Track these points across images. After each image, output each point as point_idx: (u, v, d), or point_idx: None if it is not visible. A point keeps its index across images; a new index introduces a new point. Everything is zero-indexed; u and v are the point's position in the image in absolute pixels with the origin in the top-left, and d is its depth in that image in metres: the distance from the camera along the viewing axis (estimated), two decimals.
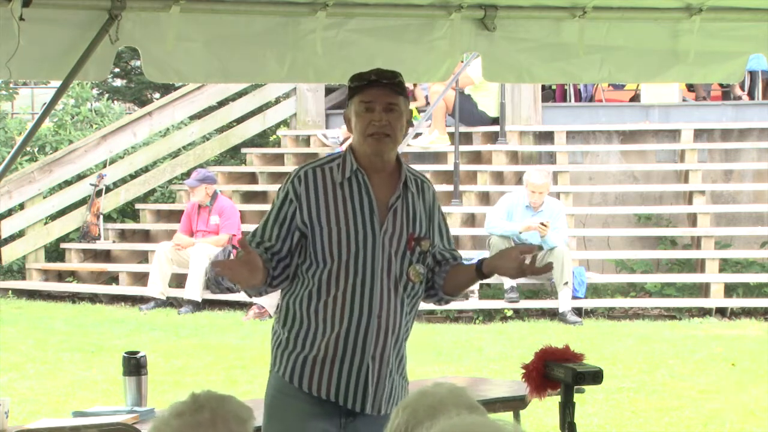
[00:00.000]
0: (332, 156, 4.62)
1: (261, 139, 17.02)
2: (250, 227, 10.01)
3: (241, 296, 12.44)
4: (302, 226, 4.49)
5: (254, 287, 4.49)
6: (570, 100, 15.81)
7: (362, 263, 4.47)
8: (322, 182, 4.53)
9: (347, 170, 4.53)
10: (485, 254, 12.75)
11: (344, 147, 14.98)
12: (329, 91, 16.23)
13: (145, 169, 15.76)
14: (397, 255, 4.52)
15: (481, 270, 4.58)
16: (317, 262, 4.48)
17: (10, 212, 15.09)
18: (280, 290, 4.59)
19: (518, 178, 14.00)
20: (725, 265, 13.20)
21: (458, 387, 3.10)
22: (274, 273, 4.50)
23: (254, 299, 4.15)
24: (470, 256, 13.19)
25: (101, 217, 14.93)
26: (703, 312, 12.52)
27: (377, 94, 4.48)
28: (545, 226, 12.29)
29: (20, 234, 14.96)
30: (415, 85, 15.16)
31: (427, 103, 14.98)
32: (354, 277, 4.46)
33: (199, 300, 12.99)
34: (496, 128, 14.84)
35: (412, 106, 15.08)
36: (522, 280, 12.71)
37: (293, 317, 4.53)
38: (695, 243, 13.60)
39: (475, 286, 12.70)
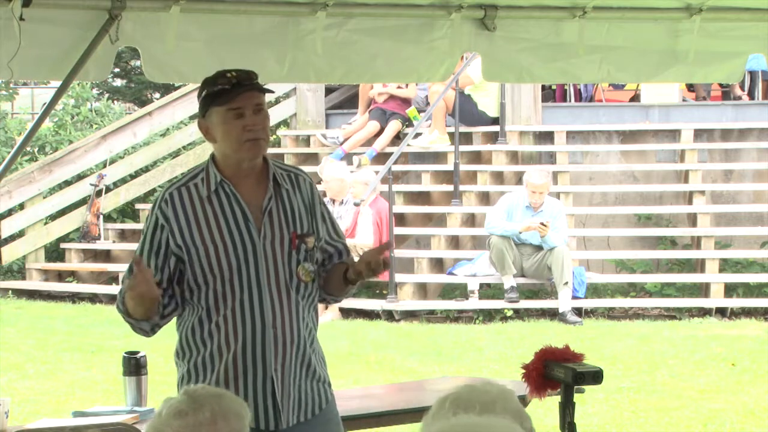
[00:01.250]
0: (194, 171, 4.43)
1: None
2: None
3: None
4: (177, 251, 4.32)
5: (149, 316, 4.39)
6: (570, 100, 15.81)
7: (246, 276, 4.29)
8: (189, 201, 4.34)
9: (212, 183, 4.34)
10: (485, 254, 12.78)
11: (345, 147, 15.13)
12: (329, 91, 16.23)
13: (145, 169, 15.76)
14: (283, 259, 4.33)
15: (347, 276, 4.42)
16: (199, 285, 4.32)
17: (10, 212, 15.09)
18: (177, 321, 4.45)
19: (518, 178, 14.00)
20: (725, 265, 13.20)
21: (509, 390, 3.02)
22: (163, 302, 4.37)
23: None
24: (470, 256, 13.20)
25: (101, 217, 14.93)
26: (703, 312, 12.51)
27: (245, 98, 4.29)
28: (545, 226, 12.29)
29: (20, 234, 14.96)
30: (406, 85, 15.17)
31: (427, 103, 14.98)
32: (240, 292, 4.29)
33: None
34: (496, 128, 14.83)
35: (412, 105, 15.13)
36: (522, 280, 12.71)
37: (189, 347, 4.42)
38: (695, 243, 13.59)
39: (475, 286, 12.70)
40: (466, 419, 2.69)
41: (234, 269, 4.30)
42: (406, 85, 15.07)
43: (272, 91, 4.46)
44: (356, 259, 4.52)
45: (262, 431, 4.32)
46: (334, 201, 13.13)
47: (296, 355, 4.35)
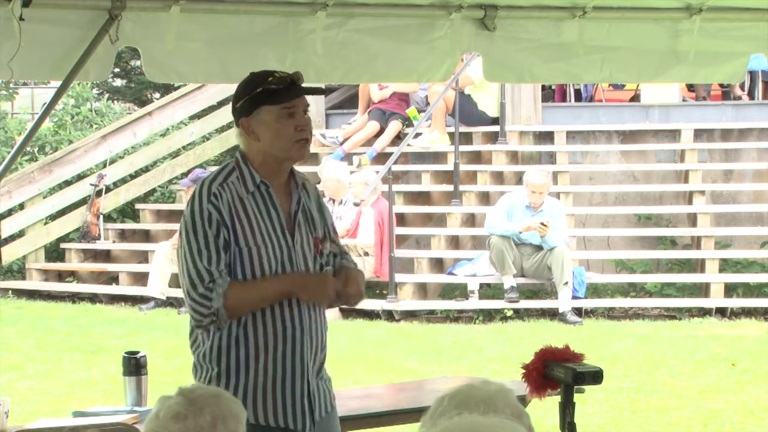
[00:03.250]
0: (226, 170, 4.35)
1: None
2: None
3: None
4: (231, 247, 4.28)
5: None
6: (570, 100, 15.81)
7: None
8: (231, 200, 4.28)
9: (249, 183, 4.31)
10: (485, 254, 12.78)
11: (344, 147, 15.13)
12: (329, 91, 16.23)
13: (145, 169, 15.76)
14: (312, 263, 4.37)
15: None
16: None
17: (10, 212, 15.09)
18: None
19: (518, 178, 14.00)
20: (725, 265, 13.20)
21: (508, 388, 3.05)
22: None
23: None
24: (470, 256, 13.20)
25: (101, 217, 14.93)
26: (703, 312, 12.52)
27: (297, 98, 4.30)
28: (545, 226, 12.29)
29: (20, 234, 14.96)
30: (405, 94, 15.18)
31: (427, 103, 14.97)
32: None
33: None
34: (496, 128, 14.84)
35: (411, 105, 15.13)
36: (522, 280, 12.71)
37: (219, 349, 4.30)
38: (695, 243, 13.60)
39: (475, 286, 12.70)
40: (471, 419, 2.69)
41: (272, 273, 4.29)
42: None
43: (323, 91, 4.51)
44: (356, 258, 4.55)
45: (292, 431, 4.34)
46: (333, 201, 13.14)
47: (322, 357, 4.42)
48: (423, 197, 14.61)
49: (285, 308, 4.30)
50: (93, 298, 14.18)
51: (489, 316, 12.55)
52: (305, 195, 4.43)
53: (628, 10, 5.84)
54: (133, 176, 15.67)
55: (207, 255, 4.24)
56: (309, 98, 4.40)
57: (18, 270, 14.99)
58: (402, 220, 13.94)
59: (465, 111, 14.68)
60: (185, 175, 15.17)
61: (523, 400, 5.86)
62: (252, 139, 4.32)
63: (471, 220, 14.12)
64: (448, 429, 2.60)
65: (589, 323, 12.23)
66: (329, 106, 16.28)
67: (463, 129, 14.72)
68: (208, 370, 4.32)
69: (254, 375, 4.28)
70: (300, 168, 4.56)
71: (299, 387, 4.32)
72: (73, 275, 14.72)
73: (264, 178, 4.32)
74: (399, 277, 12.84)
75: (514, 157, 14.79)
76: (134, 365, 5.62)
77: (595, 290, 13.13)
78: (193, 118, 16.21)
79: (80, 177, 15.33)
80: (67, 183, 15.32)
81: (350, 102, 16.31)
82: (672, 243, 13.71)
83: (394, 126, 14.94)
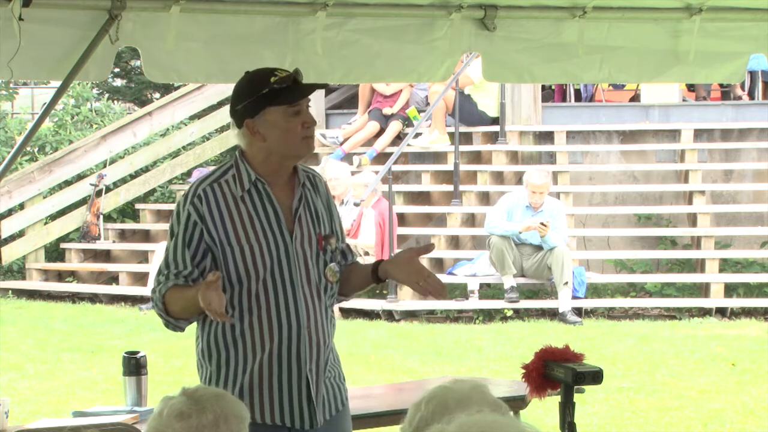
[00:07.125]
0: (222, 168, 4.36)
1: None
2: None
3: None
4: (213, 247, 4.27)
5: (191, 317, 4.32)
6: (570, 100, 15.81)
7: (280, 276, 4.27)
8: (223, 199, 4.28)
9: (245, 182, 4.30)
10: (485, 254, 12.78)
11: (344, 147, 15.12)
12: (329, 91, 16.23)
13: (145, 169, 15.76)
14: (313, 259, 4.34)
15: (377, 274, 4.40)
16: (232, 284, 4.26)
17: (10, 212, 15.09)
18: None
19: (518, 178, 14.00)
20: (725, 265, 13.20)
21: (481, 384, 3.07)
22: None
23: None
24: (470, 256, 13.20)
25: (101, 217, 14.93)
26: (703, 312, 12.52)
27: (301, 95, 4.29)
28: (545, 226, 12.30)
29: (20, 234, 14.96)
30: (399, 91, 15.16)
31: (427, 103, 14.98)
32: (274, 292, 4.27)
33: None
34: (496, 128, 14.84)
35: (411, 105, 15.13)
36: (522, 280, 12.71)
37: (217, 347, 4.31)
38: (695, 243, 13.60)
39: (475, 286, 12.70)
40: (490, 417, 2.69)
41: (268, 270, 4.27)
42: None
43: (326, 85, 4.47)
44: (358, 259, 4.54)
45: (297, 430, 4.32)
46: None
47: (325, 355, 4.37)
48: (423, 197, 14.61)
49: (281, 306, 4.28)
50: (93, 298, 14.18)
51: (489, 316, 12.55)
52: (311, 191, 4.41)
53: (628, 10, 5.84)
54: (133, 176, 15.67)
55: (173, 251, 4.29)
56: (309, 98, 4.38)
57: (18, 270, 14.99)
58: (402, 220, 13.94)
59: (465, 111, 14.69)
60: (186, 175, 15.17)
61: (523, 400, 5.87)
62: (257, 140, 4.29)
63: (471, 220, 14.12)
64: (465, 426, 2.60)
65: (589, 323, 12.23)
66: (329, 106, 16.28)
67: (463, 129, 14.72)
68: (206, 370, 4.36)
69: (250, 373, 4.28)
70: None
71: (297, 384, 4.30)
72: (73, 275, 14.72)
73: (261, 176, 4.30)
74: None
75: (514, 157, 14.79)
76: (134, 365, 5.63)
77: (595, 290, 13.13)
78: (193, 118, 16.21)
79: (80, 177, 15.33)
80: (67, 183, 15.32)
81: (350, 102, 16.31)
82: (672, 243, 13.71)
83: (394, 126, 14.95)
